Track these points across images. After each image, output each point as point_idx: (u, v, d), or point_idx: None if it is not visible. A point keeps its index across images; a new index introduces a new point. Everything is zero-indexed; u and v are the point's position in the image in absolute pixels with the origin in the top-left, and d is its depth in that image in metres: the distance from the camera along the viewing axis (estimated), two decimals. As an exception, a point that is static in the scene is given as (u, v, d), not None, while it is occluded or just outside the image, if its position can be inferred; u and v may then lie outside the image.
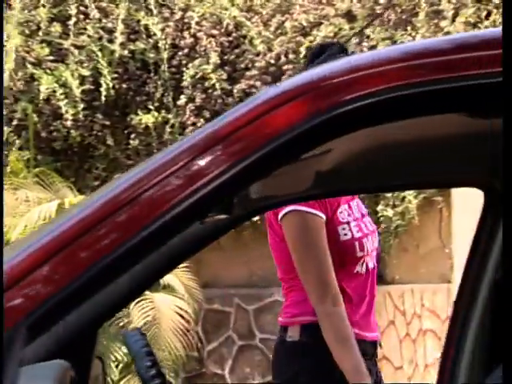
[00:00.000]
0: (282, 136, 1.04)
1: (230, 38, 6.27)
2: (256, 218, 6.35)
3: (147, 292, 5.70)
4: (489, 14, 5.39)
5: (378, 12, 5.39)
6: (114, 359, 5.54)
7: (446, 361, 1.96)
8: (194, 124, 6.02)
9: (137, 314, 5.51)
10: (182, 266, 6.00)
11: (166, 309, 5.64)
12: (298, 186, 1.72)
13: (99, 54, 6.20)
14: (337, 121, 1.06)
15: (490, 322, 1.86)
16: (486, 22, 5.32)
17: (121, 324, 5.68)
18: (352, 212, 2.45)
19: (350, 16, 5.81)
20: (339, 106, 1.05)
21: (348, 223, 2.42)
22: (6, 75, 6.20)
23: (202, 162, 1.05)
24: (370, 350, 2.46)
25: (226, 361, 6.45)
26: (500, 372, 1.64)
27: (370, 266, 2.48)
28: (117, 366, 5.56)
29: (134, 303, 5.53)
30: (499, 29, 1.25)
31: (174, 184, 1.11)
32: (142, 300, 5.57)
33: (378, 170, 1.77)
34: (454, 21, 5.38)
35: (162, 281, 5.83)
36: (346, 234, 2.40)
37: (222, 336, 6.44)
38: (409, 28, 5.63)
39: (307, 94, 1.07)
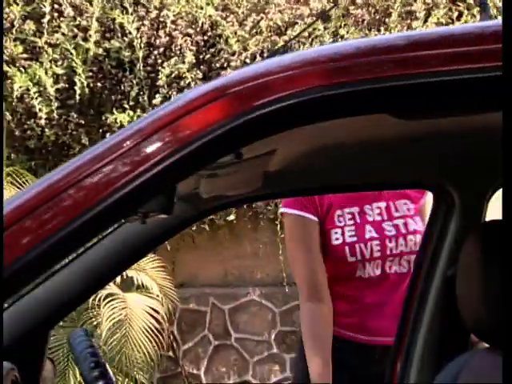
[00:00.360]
0: (208, 134, 1.05)
1: (206, 37, 6.27)
2: (231, 218, 6.37)
3: (119, 292, 5.69)
4: (460, 15, 5.42)
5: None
6: (86, 359, 5.52)
7: (398, 355, 1.99)
8: (168, 123, 5.99)
9: (107, 313, 5.49)
10: (157, 265, 6.00)
11: (138, 309, 5.63)
12: (246, 187, 1.74)
13: (73, 52, 6.17)
14: (263, 120, 1.07)
15: (441, 317, 1.89)
16: (458, 23, 5.35)
17: (94, 323, 5.67)
18: (362, 216, 2.43)
19: (324, 16, 5.83)
20: (264, 106, 1.06)
21: (342, 227, 2.41)
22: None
23: (128, 157, 1.06)
24: (367, 354, 2.45)
25: (201, 360, 6.45)
26: (450, 370, 1.66)
27: (395, 269, 2.47)
28: (89, 366, 5.54)
29: (104, 303, 5.52)
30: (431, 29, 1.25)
31: (113, 171, 1.11)
32: (112, 300, 5.55)
33: (325, 171, 1.79)
34: (426, 21, 5.41)
35: (135, 281, 5.82)
36: (337, 239, 2.40)
37: (197, 336, 6.44)
38: (382, 28, 5.66)
39: (233, 93, 1.08)
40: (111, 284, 5.74)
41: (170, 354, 6.38)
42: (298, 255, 2.39)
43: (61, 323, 5.72)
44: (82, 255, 1.81)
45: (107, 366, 1.72)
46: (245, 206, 6.25)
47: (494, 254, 1.52)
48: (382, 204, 2.45)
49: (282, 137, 1.42)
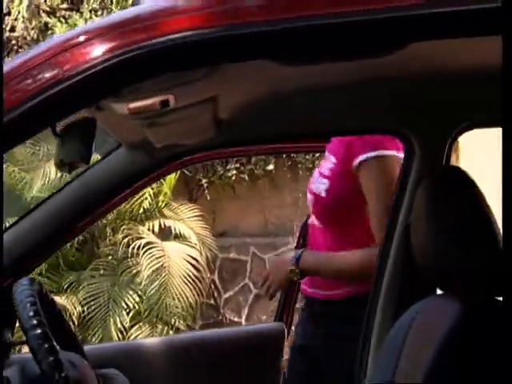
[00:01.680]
0: (81, 73, 1.06)
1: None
2: (270, 168, 6.38)
3: (157, 240, 5.78)
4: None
5: None
6: (125, 307, 5.65)
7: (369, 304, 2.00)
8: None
9: (145, 262, 5.59)
10: (195, 215, 6.07)
11: (177, 257, 5.71)
12: (199, 136, 1.75)
13: (113, 1, 6.22)
14: (139, 62, 1.07)
15: (402, 265, 1.88)
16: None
17: (133, 272, 5.79)
18: (324, 162, 2.33)
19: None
20: (143, 47, 1.06)
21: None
22: (20, 24, 6.28)
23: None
24: (309, 305, 2.40)
25: (242, 308, 6.54)
26: (407, 316, 1.67)
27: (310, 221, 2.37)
28: (128, 313, 5.67)
29: (142, 251, 5.63)
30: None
31: None
32: (151, 248, 5.65)
33: (279, 119, 1.78)
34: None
35: (173, 230, 5.90)
36: None
37: (238, 284, 6.53)
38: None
39: (111, 32, 1.08)
40: (149, 233, 5.85)
41: (212, 302, 6.49)
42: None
43: (102, 272, 5.88)
44: (45, 202, 1.87)
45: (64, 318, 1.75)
46: (283, 156, 6.26)
47: (443, 200, 1.51)
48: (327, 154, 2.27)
49: (218, 82, 1.43)
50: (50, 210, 1.85)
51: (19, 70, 1.09)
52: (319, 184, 2.26)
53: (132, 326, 5.69)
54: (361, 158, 2.12)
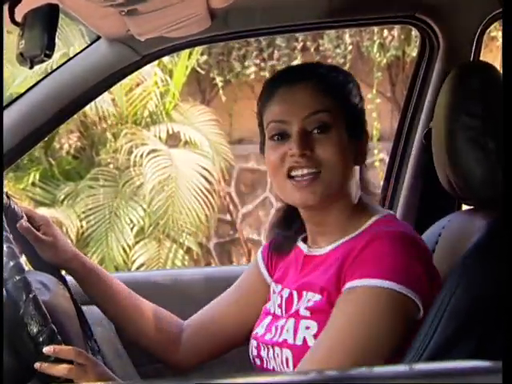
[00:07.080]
0: None
1: None
2: (296, 63, 6.32)
3: (163, 147, 5.79)
4: None
5: None
6: (128, 221, 5.71)
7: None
8: None
9: (150, 172, 5.59)
10: (208, 119, 6.05)
11: (186, 167, 5.70)
12: (189, 28, 1.73)
13: None
14: None
15: (422, 175, 1.89)
16: None
17: (137, 183, 5.82)
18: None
19: None
20: None
21: None
22: None
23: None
24: None
25: (262, 225, 6.56)
26: (434, 229, 1.69)
27: None
28: (131, 229, 5.73)
29: (146, 159, 5.64)
30: None
31: None
32: (156, 156, 5.65)
33: (283, 8, 1.76)
34: None
35: (182, 136, 5.89)
36: None
37: (257, 198, 6.55)
38: None
39: None
40: (155, 139, 5.85)
41: (228, 217, 6.53)
42: None
43: (101, 182, 5.92)
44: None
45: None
46: (312, 50, 6.19)
47: (467, 97, 1.50)
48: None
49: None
50: (26, 105, 1.88)
51: None
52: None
53: (136, 243, 5.75)
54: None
